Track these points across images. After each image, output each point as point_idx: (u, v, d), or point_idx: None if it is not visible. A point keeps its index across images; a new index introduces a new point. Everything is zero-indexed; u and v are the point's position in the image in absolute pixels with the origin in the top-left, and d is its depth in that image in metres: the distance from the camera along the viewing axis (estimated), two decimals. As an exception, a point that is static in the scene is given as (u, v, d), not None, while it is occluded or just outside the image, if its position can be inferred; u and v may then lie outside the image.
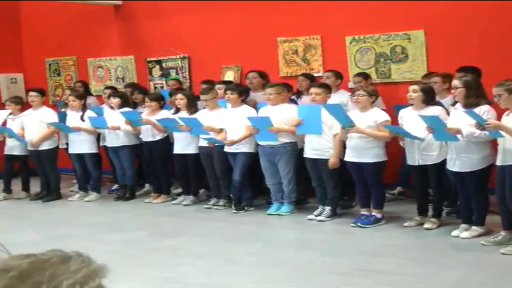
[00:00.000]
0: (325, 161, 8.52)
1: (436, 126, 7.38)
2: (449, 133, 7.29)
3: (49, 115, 10.94)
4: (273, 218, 9.01)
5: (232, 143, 9.26)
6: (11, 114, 10.80)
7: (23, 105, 11.53)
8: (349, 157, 8.28)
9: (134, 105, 10.93)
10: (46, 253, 1.49)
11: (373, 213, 8.27)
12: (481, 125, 6.89)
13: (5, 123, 10.84)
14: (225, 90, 9.53)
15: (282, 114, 8.97)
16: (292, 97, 9.71)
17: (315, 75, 10.12)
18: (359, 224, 8.20)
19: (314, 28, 10.35)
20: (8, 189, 11.47)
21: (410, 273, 6.30)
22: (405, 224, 8.06)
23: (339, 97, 9.22)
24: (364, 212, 8.35)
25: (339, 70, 9.70)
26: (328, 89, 8.83)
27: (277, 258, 7.07)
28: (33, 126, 10.88)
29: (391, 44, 9.78)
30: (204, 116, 9.62)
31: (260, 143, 9.20)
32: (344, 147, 8.41)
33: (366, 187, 8.30)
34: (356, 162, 8.20)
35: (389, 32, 9.75)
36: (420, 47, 9.51)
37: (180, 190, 10.59)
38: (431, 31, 9.39)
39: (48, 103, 12.24)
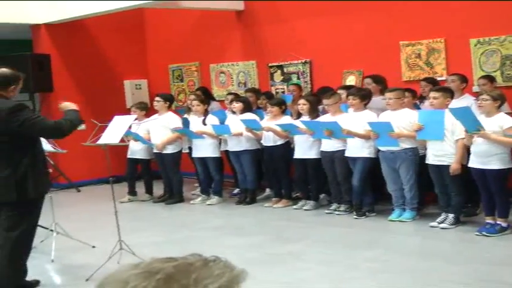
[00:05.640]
0: (449, 167, 8.33)
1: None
2: None
3: (173, 120, 11.17)
4: (394, 224, 8.88)
5: (349, 133, 9.19)
6: (136, 119, 11.08)
7: (147, 110, 11.84)
8: (473, 163, 8.05)
9: (257, 109, 11.01)
10: (187, 257, 1.53)
11: (498, 222, 8.01)
12: None
13: (130, 128, 11.12)
14: (347, 96, 9.48)
15: (402, 119, 8.83)
16: (416, 102, 9.55)
17: (439, 79, 9.89)
18: (484, 232, 7.95)
19: (437, 31, 10.13)
20: (132, 192, 11.80)
21: (539, 285, 6.08)
22: None
23: (462, 102, 8.97)
24: (489, 220, 8.09)
25: (463, 74, 9.44)
26: (448, 92, 8.60)
27: (399, 265, 6.97)
28: (157, 131, 11.14)
29: (518, 45, 9.46)
30: (326, 120, 9.58)
31: (380, 148, 9.10)
32: (468, 153, 8.20)
33: (491, 194, 8.05)
34: (480, 169, 7.97)
35: (516, 33, 9.44)
36: (549, 49, 9.17)
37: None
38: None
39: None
